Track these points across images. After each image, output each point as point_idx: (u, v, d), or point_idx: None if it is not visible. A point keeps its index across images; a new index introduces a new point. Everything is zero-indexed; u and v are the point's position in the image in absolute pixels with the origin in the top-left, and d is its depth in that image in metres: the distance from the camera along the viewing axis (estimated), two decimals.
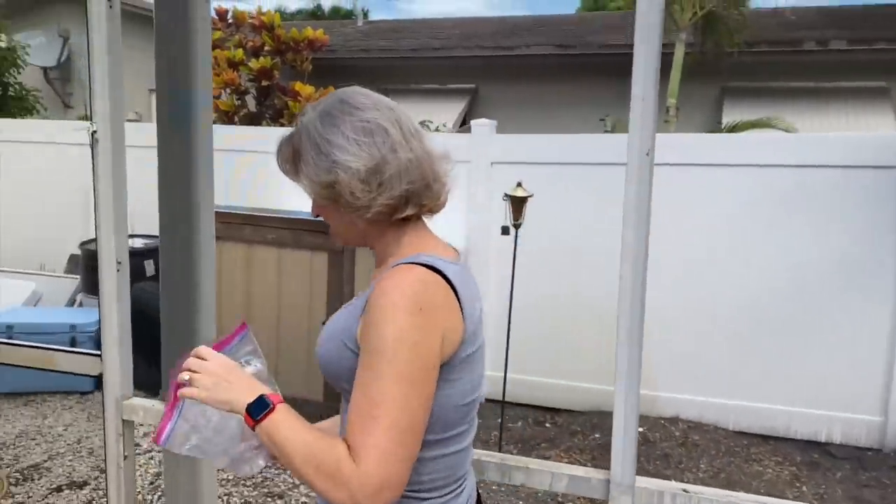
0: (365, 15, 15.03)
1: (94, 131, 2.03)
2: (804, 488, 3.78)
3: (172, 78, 2.05)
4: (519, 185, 3.47)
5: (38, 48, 10.08)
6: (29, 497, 3.42)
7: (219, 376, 1.14)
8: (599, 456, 4.09)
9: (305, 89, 7.52)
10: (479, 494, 1.34)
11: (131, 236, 5.80)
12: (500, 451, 3.94)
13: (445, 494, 1.19)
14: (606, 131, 7.08)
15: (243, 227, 4.51)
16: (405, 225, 1.22)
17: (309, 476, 1.04)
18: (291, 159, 1.19)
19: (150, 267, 5.25)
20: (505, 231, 3.58)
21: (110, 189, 2.04)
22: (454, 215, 4.98)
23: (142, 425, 3.60)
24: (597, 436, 4.38)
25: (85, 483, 3.58)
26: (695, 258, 4.54)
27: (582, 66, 7.95)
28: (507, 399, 4.98)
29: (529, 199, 3.43)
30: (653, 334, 4.67)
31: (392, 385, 1.02)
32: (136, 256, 5.31)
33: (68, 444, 4.04)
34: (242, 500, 3.48)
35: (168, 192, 2.11)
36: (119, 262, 2.06)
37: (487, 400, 4.94)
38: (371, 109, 1.16)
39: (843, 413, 4.33)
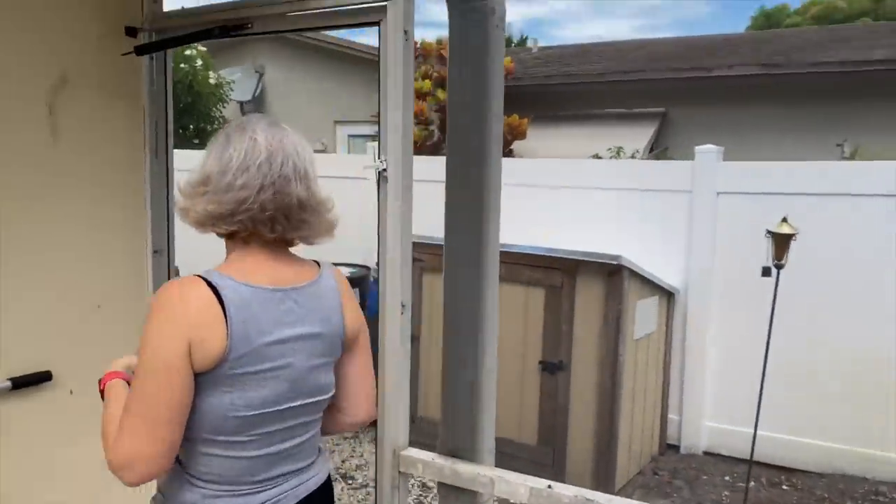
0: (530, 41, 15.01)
1: (384, 169, 1.95)
2: None
3: (465, 112, 1.91)
4: (784, 220, 3.10)
5: (236, 84, 10.83)
6: None
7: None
8: None
9: None
10: None
11: (336, 264, 5.97)
12: None
13: (229, 490, 1.37)
14: (844, 158, 6.41)
15: None
16: (235, 244, 1.41)
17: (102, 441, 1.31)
18: None
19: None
20: (766, 272, 3.22)
21: (398, 228, 1.94)
22: (671, 249, 4.61)
23: (420, 478, 3.54)
24: None
25: None
26: None
27: (793, 87, 7.33)
28: (725, 453, 4.53)
29: (794, 237, 3.05)
30: None
31: (138, 377, 1.26)
32: None
33: None
34: None
35: (455, 230, 1.97)
36: (403, 305, 1.95)
37: (713, 454, 4.51)
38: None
39: None
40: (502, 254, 4.29)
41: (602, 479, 3.84)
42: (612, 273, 3.75)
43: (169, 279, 2.35)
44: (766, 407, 4.34)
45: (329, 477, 1.66)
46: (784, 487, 4.07)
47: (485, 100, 1.90)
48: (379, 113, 1.94)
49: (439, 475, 1.96)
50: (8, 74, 2.06)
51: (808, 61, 7.40)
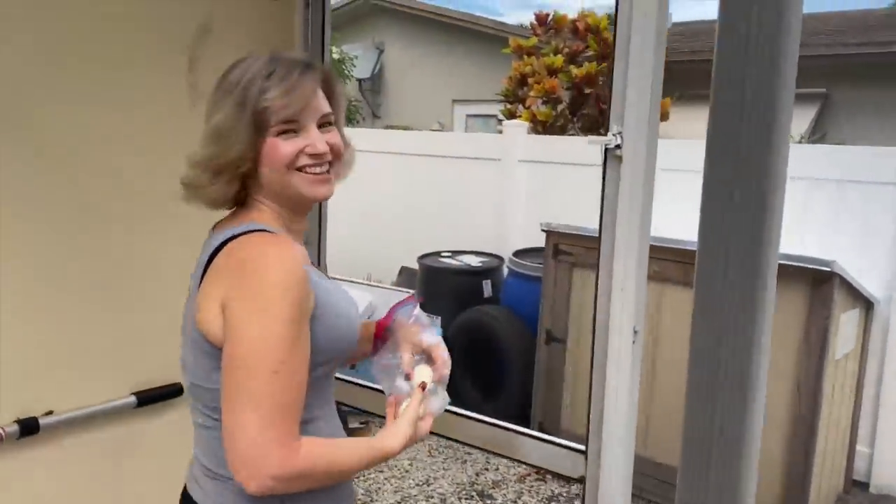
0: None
1: (619, 145, 1.45)
2: None
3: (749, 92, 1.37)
4: None
5: (357, 60, 10.59)
6: None
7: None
8: None
9: None
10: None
11: (464, 252, 5.52)
12: None
13: None
14: None
15: None
16: None
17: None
18: None
19: (487, 287, 4.84)
20: None
21: (636, 227, 1.43)
22: (874, 253, 3.82)
23: None
24: None
25: None
26: None
27: None
28: None
29: None
30: None
31: None
32: (473, 275, 4.96)
33: (418, 487, 3.69)
34: None
35: (716, 228, 1.44)
36: (636, 332, 1.45)
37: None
38: None
39: None
40: (667, 250, 3.63)
41: None
42: (821, 281, 3.10)
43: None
44: None
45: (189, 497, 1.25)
46: None
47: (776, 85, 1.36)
48: (612, 77, 1.44)
49: None
50: (140, 23, 1.69)
51: None
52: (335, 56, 9.36)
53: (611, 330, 1.46)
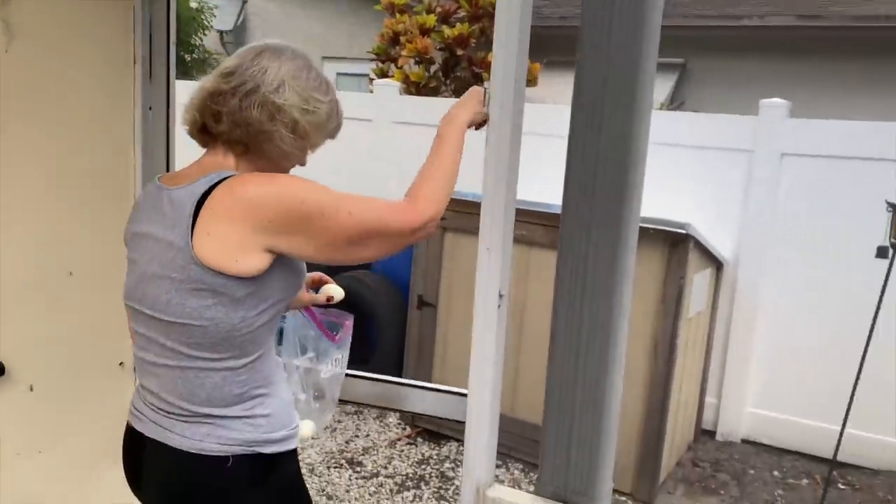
0: None
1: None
2: None
3: (613, 60, 1.33)
4: None
5: (218, 10, 9.95)
6: None
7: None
8: None
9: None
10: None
11: None
12: None
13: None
14: None
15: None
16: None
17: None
18: None
19: None
20: (882, 253, 2.73)
21: (501, 194, 1.38)
22: (725, 216, 4.04)
23: None
24: None
25: None
26: None
27: (835, 40, 6.76)
28: (766, 442, 4.13)
29: None
30: None
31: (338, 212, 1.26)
32: None
33: None
34: None
35: (580, 187, 1.40)
36: (501, 295, 1.40)
37: (753, 443, 4.09)
38: None
39: None
40: (533, 213, 3.66)
41: (647, 476, 3.39)
42: (677, 243, 3.23)
43: None
44: (811, 394, 3.92)
45: (198, 455, 1.30)
46: (840, 486, 3.67)
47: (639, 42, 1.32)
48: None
49: None
50: None
51: (849, 14, 6.83)
52: (193, 5, 8.73)
53: (476, 293, 1.41)
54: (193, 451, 1.28)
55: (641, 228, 3.26)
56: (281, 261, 1.26)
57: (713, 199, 4.13)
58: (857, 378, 2.88)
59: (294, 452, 1.39)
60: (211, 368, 1.28)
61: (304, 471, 3.38)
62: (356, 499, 3.17)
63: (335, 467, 3.47)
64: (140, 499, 1.44)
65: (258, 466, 1.31)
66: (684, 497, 3.51)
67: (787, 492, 3.61)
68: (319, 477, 3.36)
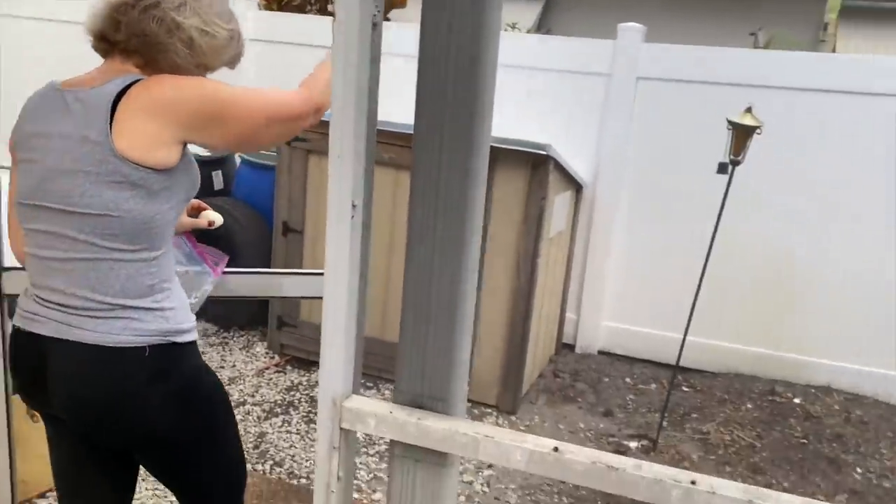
0: None
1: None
2: None
3: None
4: (748, 110, 2.74)
5: None
6: None
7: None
8: (765, 433, 3.54)
9: None
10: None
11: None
12: (661, 427, 3.37)
13: (31, 285, 1.45)
14: (758, 47, 6.22)
15: None
16: None
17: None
18: None
19: (218, 179, 4.51)
20: (723, 169, 2.89)
21: (352, 92, 1.32)
22: (585, 139, 4.16)
23: (369, 437, 2.91)
24: (748, 406, 3.82)
25: None
26: (860, 209, 3.88)
27: None
28: (620, 352, 4.41)
29: (759, 130, 2.72)
30: (802, 293, 4.12)
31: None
32: (201, 166, 4.56)
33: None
34: None
35: (433, 100, 1.37)
36: (354, 205, 1.36)
37: (608, 354, 4.36)
38: None
39: None
40: (400, 136, 3.64)
41: (511, 388, 3.54)
42: (538, 164, 3.30)
43: None
44: (658, 306, 4.21)
45: (116, 349, 1.36)
46: (685, 389, 4.00)
47: None
48: None
49: (400, 433, 1.45)
50: None
51: None
52: None
53: (329, 204, 1.36)
54: (110, 345, 1.32)
55: (504, 150, 3.33)
56: (185, 159, 1.38)
57: (573, 123, 4.25)
58: (698, 289, 3.10)
59: (196, 345, 1.49)
60: (126, 260, 1.35)
61: None
62: None
63: None
64: (40, 407, 1.44)
65: (174, 355, 1.39)
66: (546, 406, 3.71)
67: (637, 396, 3.89)
68: None
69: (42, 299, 1.38)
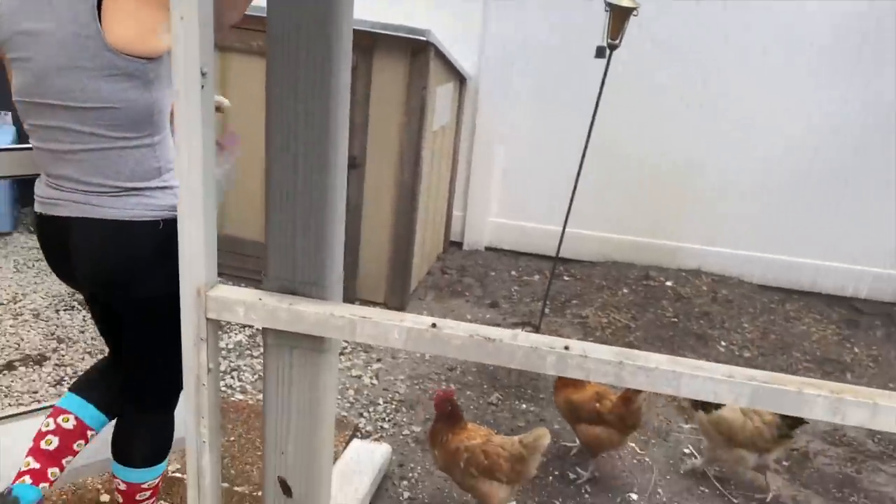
0: None
1: None
2: (856, 349, 3.61)
3: None
4: None
5: None
6: None
7: None
8: (639, 314, 3.72)
9: None
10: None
11: None
12: (543, 313, 3.46)
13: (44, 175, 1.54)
14: None
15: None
16: None
17: None
18: None
19: None
20: (600, 53, 2.86)
21: None
22: (468, 31, 4.04)
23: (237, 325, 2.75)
24: (624, 291, 3.99)
25: (44, 358, 2.79)
26: (745, 103, 4.03)
27: None
28: (506, 248, 4.49)
29: (635, 11, 2.68)
30: (676, 183, 4.30)
31: None
32: None
33: (2, 306, 3.16)
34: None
35: None
36: (204, 73, 1.22)
37: (494, 249, 4.42)
38: None
39: (871, 268, 4.16)
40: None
41: (399, 284, 3.53)
42: (417, 52, 3.17)
43: None
44: (540, 200, 4.28)
45: (133, 222, 1.48)
46: (566, 278, 4.13)
47: None
48: None
49: (271, 320, 1.39)
50: None
51: None
52: None
53: (174, 72, 1.22)
54: (126, 219, 1.44)
55: (382, 35, 3.17)
56: None
57: (456, 14, 4.10)
58: (576, 182, 3.13)
59: None
60: (132, 147, 1.42)
61: (27, 316, 3.04)
62: (93, 338, 2.93)
63: (65, 310, 3.16)
64: (70, 282, 1.59)
65: None
66: (434, 301, 3.73)
67: (521, 287, 3.98)
68: (47, 321, 3.04)
69: (59, 186, 1.46)
